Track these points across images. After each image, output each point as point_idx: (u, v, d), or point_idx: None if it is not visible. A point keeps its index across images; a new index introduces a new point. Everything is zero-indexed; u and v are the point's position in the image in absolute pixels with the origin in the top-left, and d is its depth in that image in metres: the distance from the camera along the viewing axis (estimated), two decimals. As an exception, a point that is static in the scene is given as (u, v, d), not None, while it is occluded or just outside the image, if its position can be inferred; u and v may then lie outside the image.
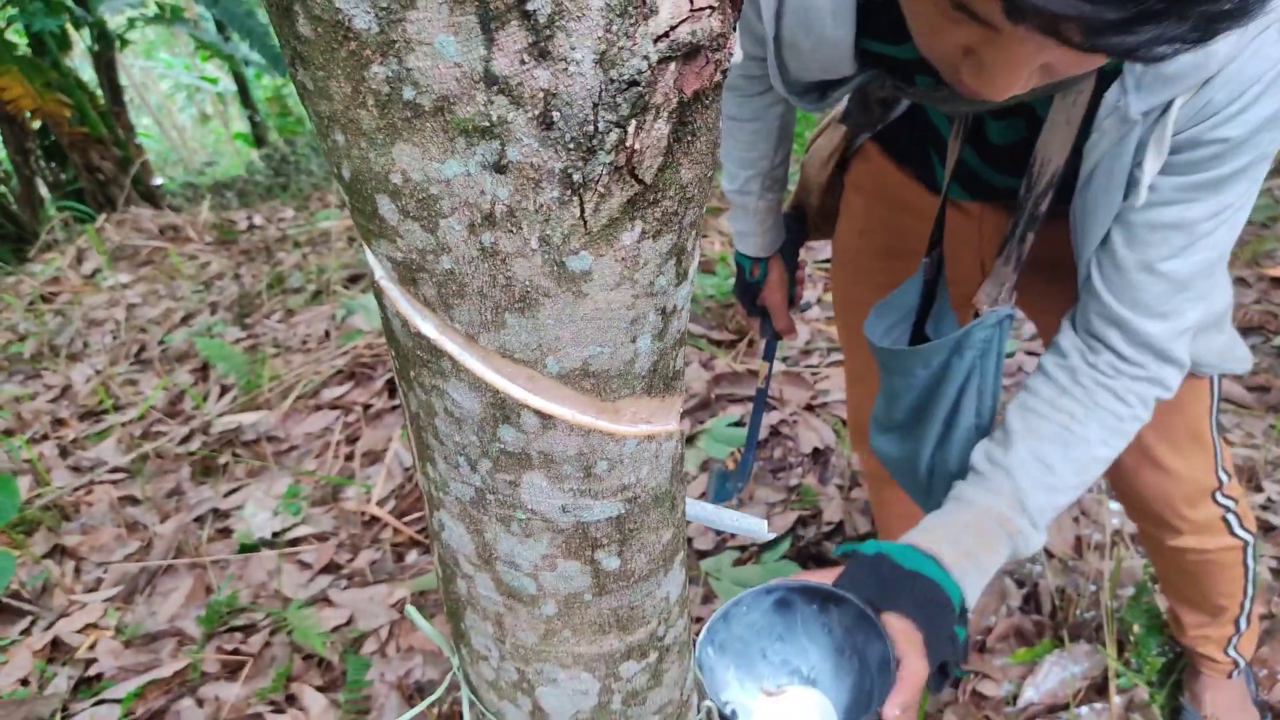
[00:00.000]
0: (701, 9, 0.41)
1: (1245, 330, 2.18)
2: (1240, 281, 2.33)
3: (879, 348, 1.09)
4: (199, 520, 2.28)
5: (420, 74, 0.40)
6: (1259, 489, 1.76)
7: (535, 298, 0.46)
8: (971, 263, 1.15)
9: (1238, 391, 1.98)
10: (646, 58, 0.40)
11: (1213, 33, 0.54)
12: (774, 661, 0.86)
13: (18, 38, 6.00)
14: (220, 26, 8.80)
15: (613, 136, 0.42)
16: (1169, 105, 0.76)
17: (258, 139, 10.58)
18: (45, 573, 2.08)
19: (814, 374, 2.32)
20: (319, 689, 1.71)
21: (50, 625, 1.94)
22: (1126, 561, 1.62)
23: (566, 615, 0.60)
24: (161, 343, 3.35)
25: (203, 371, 3.06)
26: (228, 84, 12.70)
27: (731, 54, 0.44)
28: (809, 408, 2.21)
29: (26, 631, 1.95)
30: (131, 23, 6.84)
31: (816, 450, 2.10)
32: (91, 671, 1.80)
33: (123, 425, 2.78)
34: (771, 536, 0.79)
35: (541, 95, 0.41)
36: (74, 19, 6.06)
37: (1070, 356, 0.94)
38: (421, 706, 0.78)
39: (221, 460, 2.51)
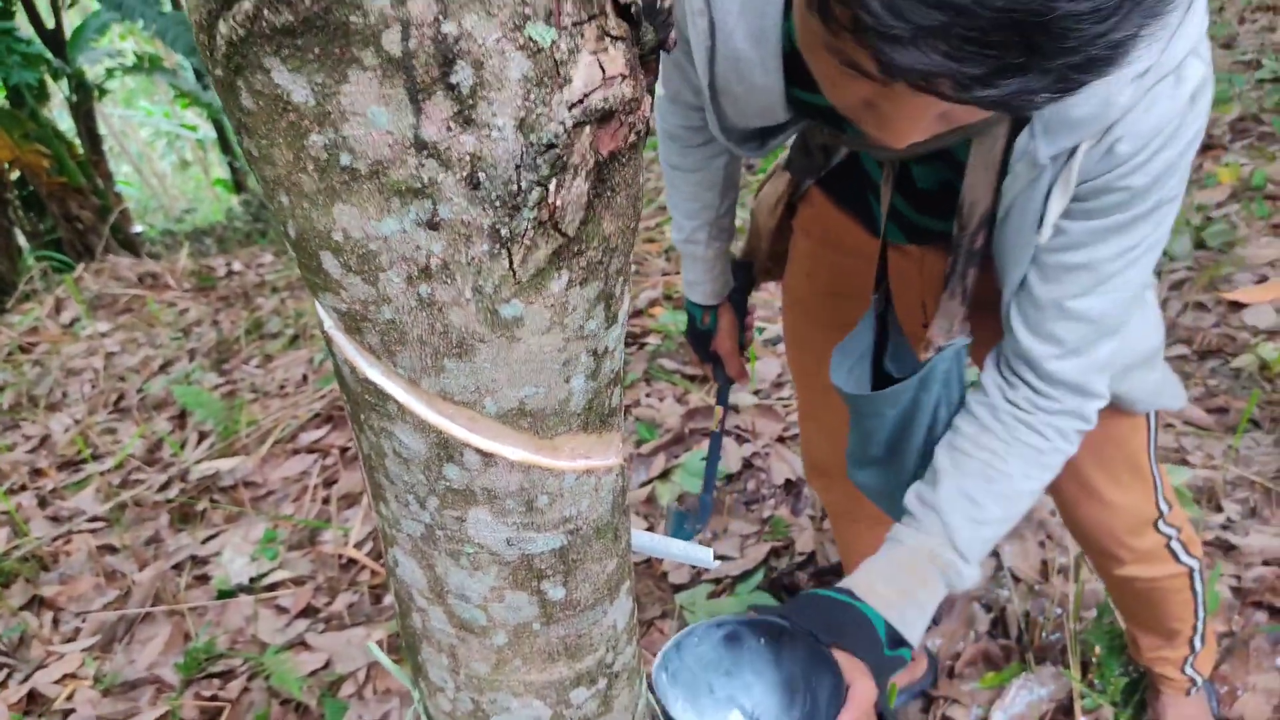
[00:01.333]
0: (614, 77, 0.45)
1: (1204, 354, 2.23)
2: (1199, 306, 2.39)
3: (848, 394, 1.10)
4: (177, 567, 2.29)
5: (355, 141, 0.44)
6: (1219, 509, 1.80)
7: (471, 343, 0.50)
8: (915, 302, 1.18)
9: (1197, 414, 2.03)
10: (563, 123, 0.44)
11: (1077, 84, 0.58)
12: (719, 697, 0.88)
13: (-5, 90, 6.04)
14: (199, 75, 8.89)
15: (535, 194, 0.45)
16: (1074, 150, 0.80)
17: (237, 185, 10.64)
18: (22, 624, 2.07)
19: (785, 406, 2.36)
20: (296, 733, 1.71)
21: (27, 677, 1.94)
22: (1089, 584, 1.65)
23: (516, 645, 0.62)
24: (140, 391, 3.36)
25: (181, 419, 3.06)
26: (207, 131, 12.79)
27: (646, 116, 0.48)
28: (781, 440, 2.25)
29: (2, 685, 1.94)
30: (110, 72, 6.91)
31: (789, 482, 2.13)
32: (68, 722, 1.80)
33: (101, 474, 2.78)
34: (716, 565, 0.81)
35: (468, 158, 0.44)
36: (52, 70, 6.12)
37: (991, 394, 0.98)
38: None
39: (199, 507, 2.52)
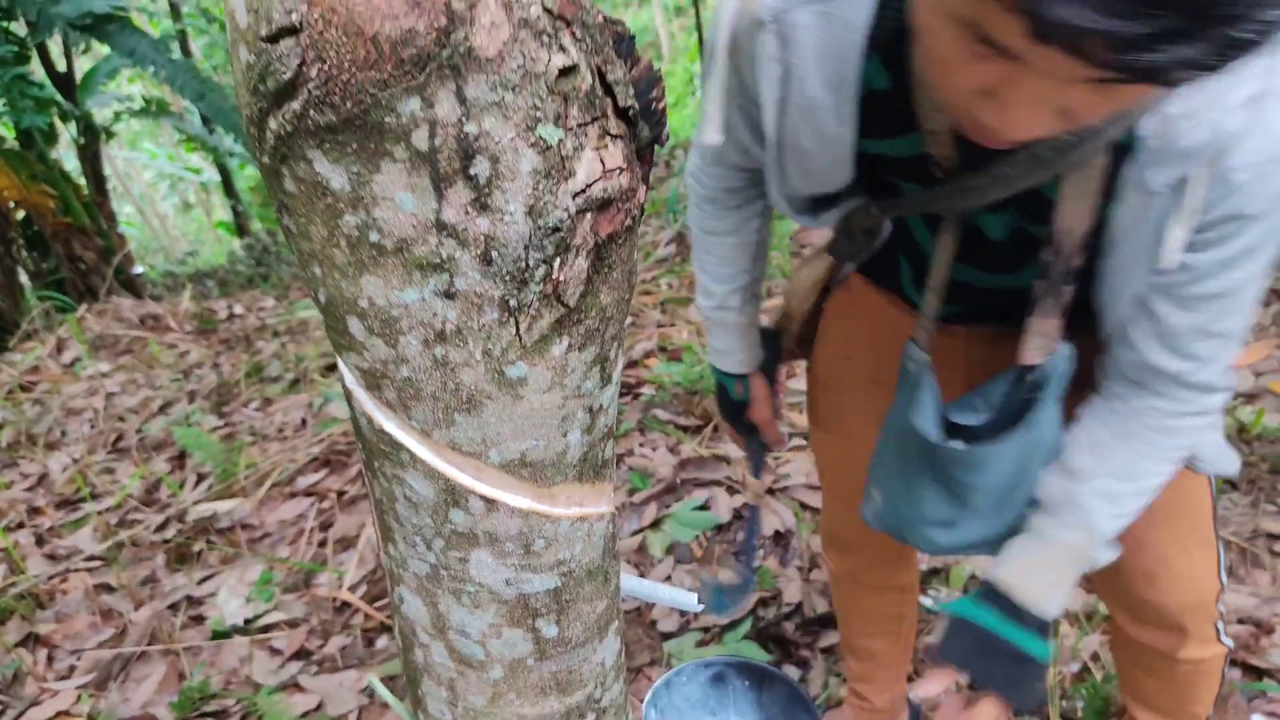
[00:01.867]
0: (612, 170, 0.51)
1: (1183, 414, 2.29)
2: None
3: (962, 456, 1.04)
4: (173, 607, 2.31)
5: (384, 222, 0.50)
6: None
7: (479, 400, 0.55)
8: (960, 385, 1.15)
9: (1175, 473, 2.08)
10: (567, 210, 0.50)
11: (1230, 58, 0.57)
12: (707, 733, 0.92)
13: (5, 131, 6.15)
14: (205, 119, 9.04)
15: (541, 270, 0.51)
16: (1185, 180, 0.80)
17: (240, 228, 10.75)
18: (17, 661, 2.09)
19: (775, 459, 2.41)
20: (288, 774, 1.73)
21: (20, 714, 1.95)
22: (1068, 640, 1.69)
23: (511, 679, 0.67)
24: (139, 431, 3.40)
25: (180, 460, 3.10)
26: (211, 174, 12.94)
27: (641, 203, 0.55)
28: (770, 491, 2.29)
29: (-3, 721, 1.96)
30: (118, 116, 7.03)
31: (778, 533, 2.17)
32: (61, 760, 1.81)
33: (99, 514, 2.81)
34: (700, 609, 0.86)
35: (483, 239, 0.50)
36: (61, 113, 6.24)
37: (1124, 399, 0.99)
38: (384, 774, 0.84)
39: (196, 548, 2.55)
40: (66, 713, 1.93)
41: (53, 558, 2.60)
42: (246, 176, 11.94)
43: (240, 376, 3.75)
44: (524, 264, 0.51)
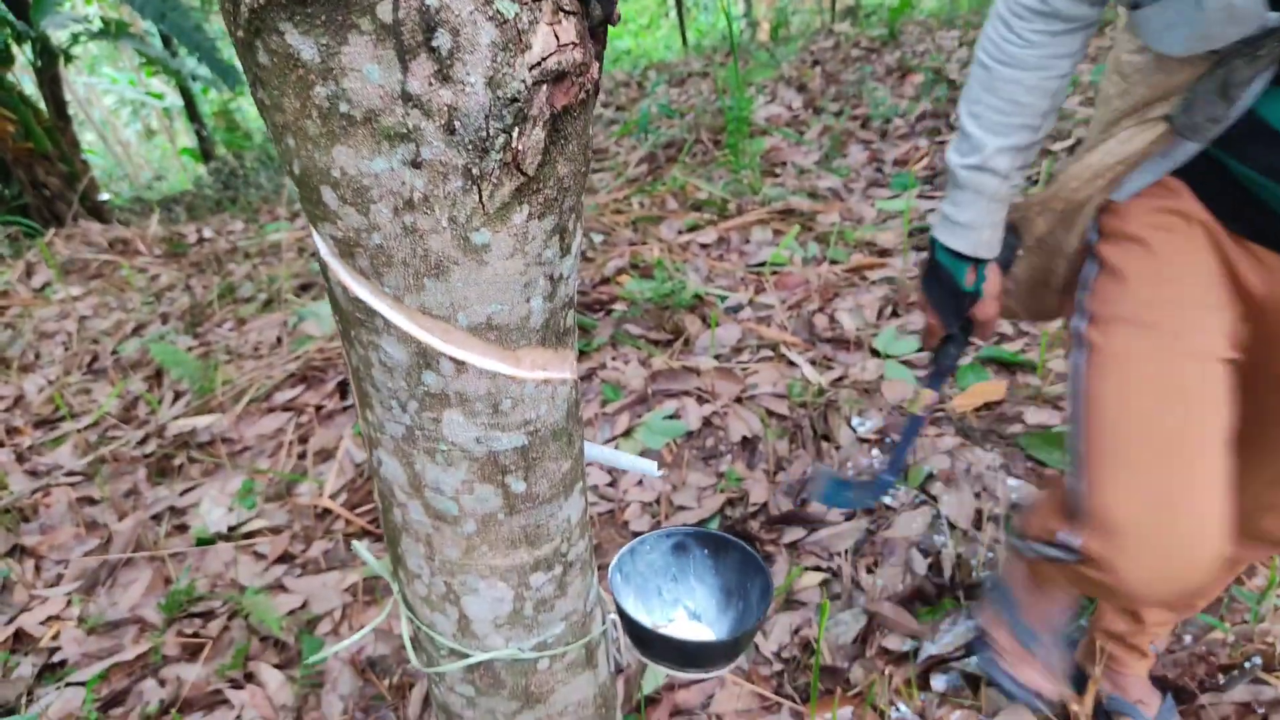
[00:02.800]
0: (566, 44, 0.55)
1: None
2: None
3: None
4: (156, 518, 2.36)
5: (353, 93, 0.54)
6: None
7: (447, 265, 0.60)
8: None
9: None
10: (524, 81, 0.54)
11: None
12: (667, 599, 0.99)
13: (-41, 53, 5.97)
14: (166, 41, 8.80)
15: (501, 140, 0.55)
16: None
17: (205, 154, 10.55)
18: (5, 570, 2.15)
19: (744, 370, 2.47)
20: (276, 666, 1.81)
21: (12, 619, 2.01)
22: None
23: (484, 532, 0.73)
24: (114, 352, 3.41)
25: (156, 378, 3.12)
26: (174, 99, 12.64)
27: (595, 79, 0.58)
28: (739, 400, 2.36)
29: (-11, 625, 2.02)
30: (75, 38, 6.83)
31: (745, 439, 2.25)
32: (55, 659, 1.88)
33: (78, 431, 2.84)
34: (661, 474, 0.91)
35: (446, 109, 0.54)
36: (15, 34, 6.06)
37: None
38: (370, 628, 0.90)
39: (177, 461, 2.59)
40: (57, 616, 1.99)
41: (34, 474, 2.64)
42: (211, 101, 11.67)
43: (213, 298, 3.75)
44: (485, 133, 0.55)
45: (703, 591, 1.00)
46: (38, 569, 2.22)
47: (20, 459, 2.77)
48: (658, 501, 2.11)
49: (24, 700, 1.76)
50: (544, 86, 0.55)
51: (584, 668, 0.86)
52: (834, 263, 2.91)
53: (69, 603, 2.03)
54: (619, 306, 2.86)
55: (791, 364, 2.47)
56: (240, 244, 4.66)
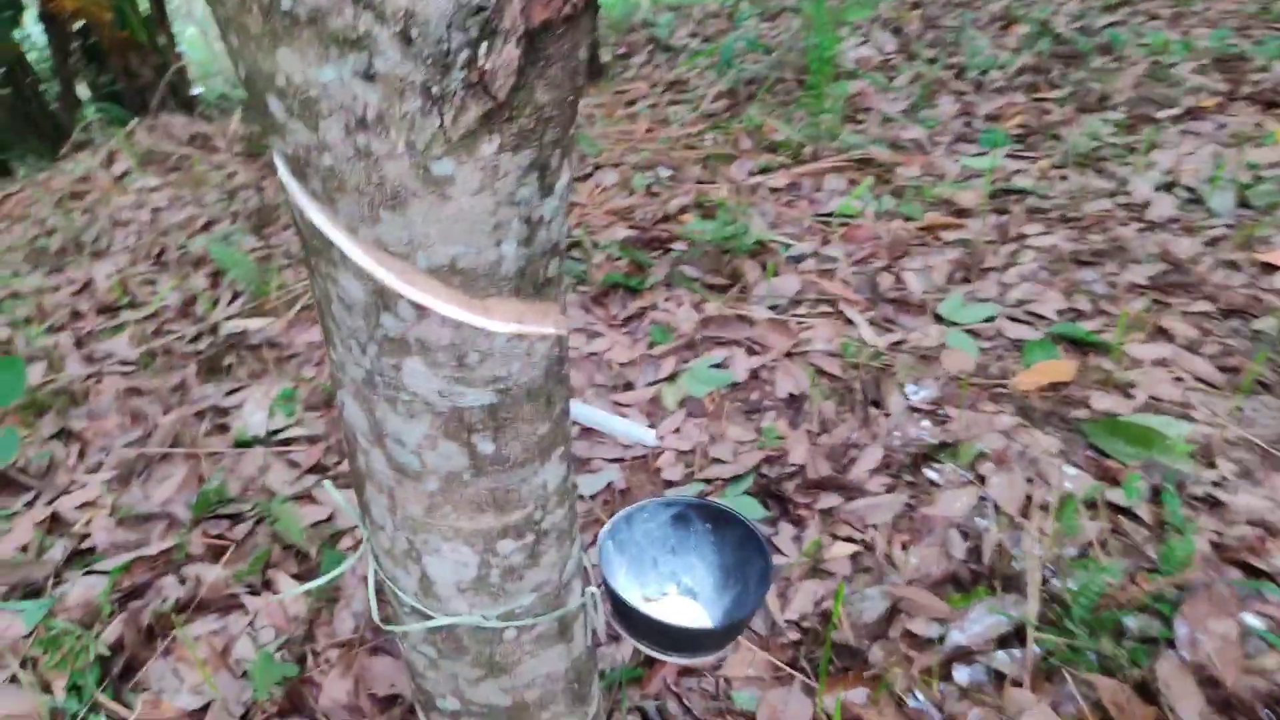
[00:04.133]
0: (549, -54, 0.46)
1: (1228, 313, 2.19)
2: (1231, 264, 2.33)
3: None
4: (199, 414, 2.39)
5: (296, -13, 0.46)
6: (1212, 465, 1.80)
7: (404, 197, 0.52)
8: None
9: (1208, 370, 2.01)
10: (493, -14, 0.46)
11: None
12: (663, 571, 0.93)
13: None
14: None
15: (464, 55, 0.47)
16: None
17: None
18: (50, 452, 2.19)
19: (799, 323, 2.37)
20: (294, 576, 1.81)
21: (51, 501, 2.06)
22: (1074, 524, 1.67)
23: (447, 492, 0.67)
24: (181, 247, 3.45)
25: (216, 277, 3.15)
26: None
27: (585, -11, 0.50)
28: (789, 355, 2.26)
29: (30, 504, 2.07)
30: (177, -73, 6.84)
31: (791, 396, 2.15)
32: (85, 545, 1.91)
33: (136, 322, 2.88)
34: (658, 444, 0.84)
35: (402, 13, 0.46)
36: (118, -80, 6.08)
37: None
38: (342, 569, 0.85)
39: (226, 361, 2.61)
40: (91, 503, 2.03)
41: (90, 359, 2.69)
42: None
43: (282, 202, 3.75)
44: (447, 46, 0.47)
45: (701, 568, 0.93)
46: (82, 454, 2.27)
47: (79, 344, 2.83)
48: (693, 451, 2.04)
49: (50, 582, 1.79)
50: (518, -5, 0.47)
51: (556, 641, 0.80)
52: (908, 219, 2.76)
53: (104, 491, 2.06)
54: (678, 246, 2.76)
55: (849, 322, 2.35)
56: (315, 148, 4.65)
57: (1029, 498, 1.78)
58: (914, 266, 2.54)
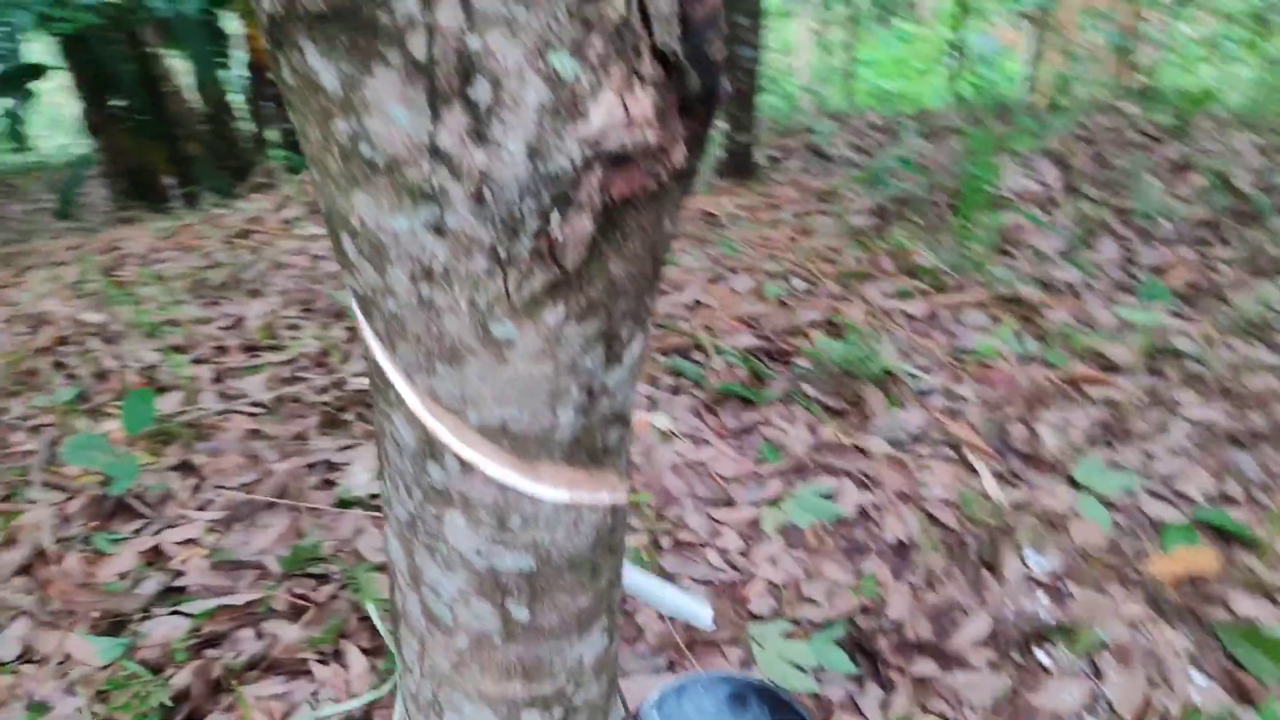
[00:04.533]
0: (638, 120, 0.43)
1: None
2: None
3: None
4: (310, 467, 2.44)
5: (375, 135, 0.44)
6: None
7: (462, 353, 0.49)
8: None
9: None
10: (572, 158, 0.43)
11: None
12: (714, 753, 0.85)
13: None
14: None
15: (534, 223, 0.44)
16: None
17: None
18: (166, 484, 2.28)
19: (919, 464, 2.24)
20: (364, 651, 1.80)
21: (158, 531, 2.13)
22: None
23: (476, 651, 0.62)
24: (329, 297, 3.60)
25: (353, 331, 3.26)
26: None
27: (676, 166, 0.46)
28: (902, 496, 2.14)
29: (138, 532, 2.14)
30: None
31: (900, 543, 2.03)
32: (178, 583, 1.96)
33: (274, 365, 3.00)
34: (713, 628, 0.77)
35: (477, 173, 0.43)
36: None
37: None
38: (383, 690, 0.82)
39: (346, 416, 2.68)
40: (193, 541, 2.08)
41: (224, 395, 2.81)
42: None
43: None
44: (518, 211, 0.44)
45: (753, 757, 0.85)
46: (196, 489, 2.35)
47: (218, 379, 2.96)
48: (786, 585, 1.94)
49: (138, 617, 1.83)
50: (598, 168, 0.43)
51: (579, 818, 0.73)
52: (1051, 366, 2.61)
53: (207, 531, 2.12)
54: (802, 362, 2.69)
55: (972, 470, 2.21)
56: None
57: (1148, 702, 1.60)
58: (1051, 420, 2.38)
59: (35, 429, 2.52)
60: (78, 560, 1.98)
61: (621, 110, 0.43)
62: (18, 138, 5.64)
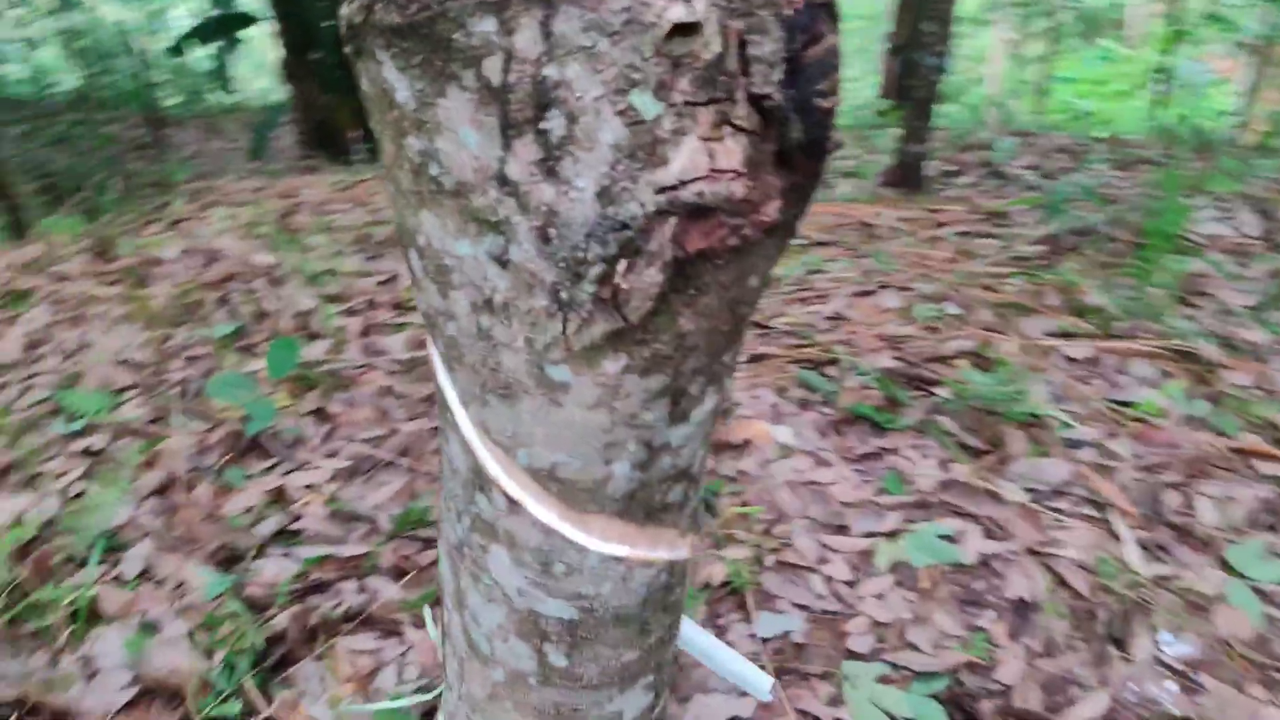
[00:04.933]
0: (724, 171, 0.39)
1: None
2: None
3: None
4: (434, 431, 2.50)
5: (445, 156, 0.41)
6: None
7: (516, 390, 0.46)
8: None
9: None
10: (644, 204, 0.39)
11: None
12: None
13: None
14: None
15: (598, 268, 0.40)
16: None
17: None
18: (300, 429, 2.38)
19: (1056, 519, 2.09)
20: (455, 623, 1.83)
21: (286, 473, 2.23)
22: None
23: (510, 688, 0.60)
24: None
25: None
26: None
27: (765, 221, 0.41)
28: (1032, 551, 2.00)
29: (268, 470, 2.25)
30: None
31: (1021, 600, 1.90)
32: (295, 525, 2.05)
33: (416, 326, 3.10)
34: (770, 699, 0.71)
35: (544, 209, 0.40)
36: None
37: None
38: (434, 694, 0.81)
39: (475, 385, 2.73)
40: (315, 486, 2.17)
41: (368, 350, 2.91)
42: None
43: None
44: (582, 254, 0.40)
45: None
46: (327, 436, 2.45)
47: (365, 333, 3.08)
48: (890, 625, 1.85)
49: (252, 555, 1.93)
50: (672, 219, 0.39)
51: None
52: (1219, 434, 2.38)
53: (329, 479, 2.21)
54: (942, 392, 2.55)
55: (1114, 536, 2.04)
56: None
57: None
58: (1211, 492, 2.17)
59: (192, 359, 2.69)
60: (207, 491, 2.10)
61: (705, 158, 0.38)
62: (224, 80, 6.05)
